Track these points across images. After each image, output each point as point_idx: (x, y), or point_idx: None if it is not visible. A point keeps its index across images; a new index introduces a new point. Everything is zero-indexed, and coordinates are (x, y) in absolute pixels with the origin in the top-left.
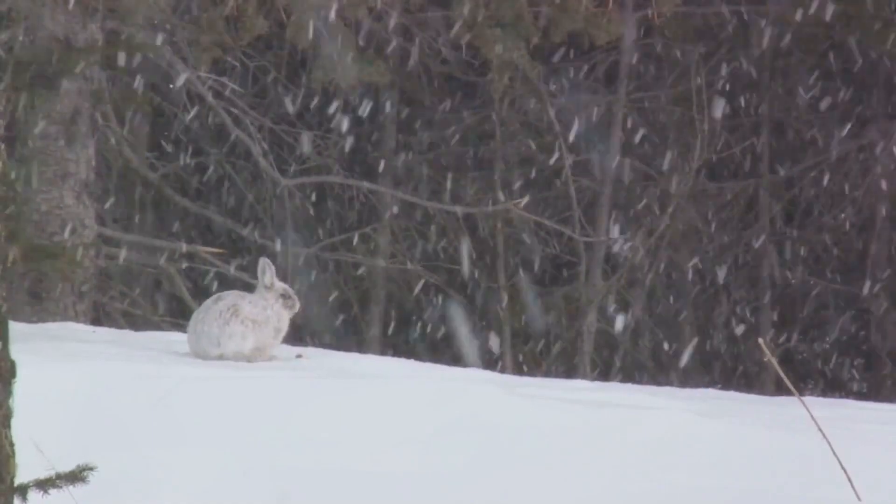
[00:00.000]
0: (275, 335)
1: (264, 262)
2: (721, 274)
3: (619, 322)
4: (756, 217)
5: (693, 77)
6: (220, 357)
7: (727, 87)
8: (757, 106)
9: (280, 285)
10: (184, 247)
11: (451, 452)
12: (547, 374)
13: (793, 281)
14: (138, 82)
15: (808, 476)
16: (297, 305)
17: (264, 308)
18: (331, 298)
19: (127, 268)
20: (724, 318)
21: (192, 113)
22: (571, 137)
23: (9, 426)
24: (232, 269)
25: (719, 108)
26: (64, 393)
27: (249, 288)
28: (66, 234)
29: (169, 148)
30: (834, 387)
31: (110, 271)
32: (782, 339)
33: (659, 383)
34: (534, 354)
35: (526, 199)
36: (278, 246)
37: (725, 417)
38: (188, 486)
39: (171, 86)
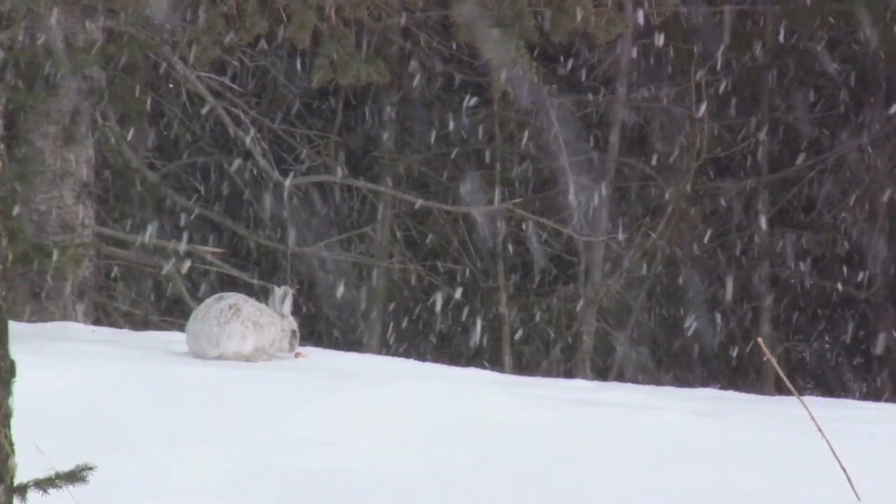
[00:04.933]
0: (271, 344)
1: (285, 290)
2: (720, 274)
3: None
4: (756, 217)
5: (692, 77)
6: (220, 357)
7: (727, 86)
8: (757, 106)
9: (293, 321)
10: (184, 247)
11: (451, 452)
12: (547, 374)
13: (793, 281)
14: (138, 82)
15: (808, 476)
16: (297, 347)
17: (269, 315)
18: (331, 298)
19: (127, 268)
20: (724, 318)
21: (192, 113)
22: (571, 137)
23: (9, 426)
24: (232, 270)
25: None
26: (64, 393)
27: (249, 287)
28: (66, 234)
29: (169, 148)
30: (834, 387)
31: (110, 271)
32: (782, 339)
33: (659, 383)
34: (534, 354)
35: (523, 200)
36: (278, 246)
37: (725, 417)
38: (187, 487)
39: (170, 86)
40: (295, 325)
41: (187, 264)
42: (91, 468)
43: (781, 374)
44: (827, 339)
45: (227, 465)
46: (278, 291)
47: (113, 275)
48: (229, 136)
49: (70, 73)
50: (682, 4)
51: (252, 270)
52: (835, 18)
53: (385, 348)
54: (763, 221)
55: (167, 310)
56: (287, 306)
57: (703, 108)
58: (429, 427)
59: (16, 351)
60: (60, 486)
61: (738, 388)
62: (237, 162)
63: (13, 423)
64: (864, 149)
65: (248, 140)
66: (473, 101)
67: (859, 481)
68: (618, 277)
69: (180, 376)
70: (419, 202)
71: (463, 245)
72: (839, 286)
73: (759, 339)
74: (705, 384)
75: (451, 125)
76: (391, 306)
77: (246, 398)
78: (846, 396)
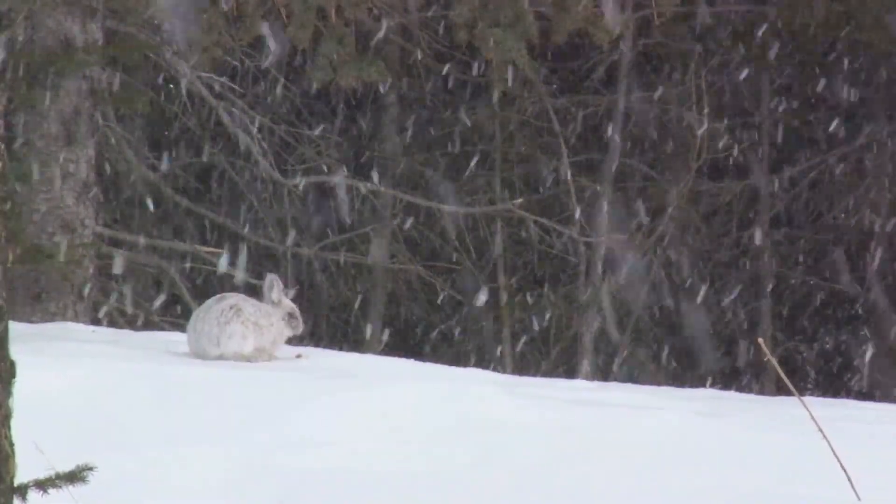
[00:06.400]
0: (271, 344)
1: (272, 279)
2: (721, 274)
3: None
4: (756, 217)
5: (693, 77)
6: (220, 357)
7: (727, 86)
8: (757, 106)
9: (287, 304)
10: (184, 247)
11: (451, 452)
12: (547, 374)
13: (793, 281)
14: (138, 82)
15: (808, 476)
16: (301, 327)
17: (268, 316)
18: (331, 298)
19: (127, 268)
20: (724, 318)
21: (192, 113)
22: (571, 137)
23: (9, 426)
24: (227, 267)
25: None
26: (64, 393)
27: (250, 288)
28: (66, 234)
29: (169, 148)
30: (834, 387)
31: (110, 271)
32: (782, 339)
33: (659, 383)
34: (534, 354)
35: (523, 200)
36: (278, 246)
37: (725, 417)
38: (187, 487)
39: (171, 86)
40: (292, 307)
41: (187, 264)
42: (91, 468)
43: (781, 374)
44: (827, 339)
45: (227, 465)
46: (265, 281)
47: (113, 275)
48: (229, 136)
49: (70, 73)
50: (682, 4)
51: (251, 270)
52: (835, 19)
53: (385, 348)
54: (763, 221)
55: (167, 310)
56: (276, 293)
57: (704, 108)
58: (429, 427)
59: (16, 351)
60: (60, 486)
61: (738, 388)
62: (237, 162)
63: (13, 423)
64: (865, 149)
65: (248, 140)
66: (473, 101)
67: (859, 481)
68: (618, 277)
69: (180, 376)
70: (419, 202)
71: (463, 245)
72: (840, 286)
73: (759, 340)
74: (705, 384)
75: (451, 125)
76: (391, 306)
77: (246, 398)
78: (846, 396)
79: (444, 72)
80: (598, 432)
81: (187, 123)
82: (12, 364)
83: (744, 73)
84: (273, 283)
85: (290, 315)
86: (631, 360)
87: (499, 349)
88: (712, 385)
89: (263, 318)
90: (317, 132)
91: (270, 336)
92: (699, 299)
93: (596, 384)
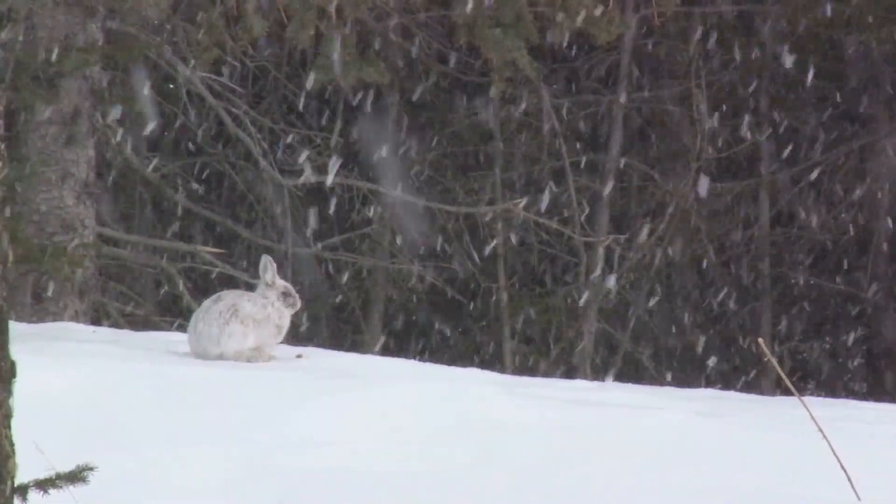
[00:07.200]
0: (276, 333)
1: (266, 260)
2: (721, 274)
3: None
4: (756, 217)
5: (693, 77)
6: (221, 356)
7: (727, 86)
8: (757, 106)
9: (281, 283)
10: (184, 247)
11: (451, 452)
12: (547, 374)
13: (793, 281)
14: (138, 82)
15: (808, 476)
16: (299, 303)
17: (264, 306)
18: (331, 298)
19: (127, 268)
20: (724, 317)
21: (192, 113)
22: (571, 137)
23: (9, 426)
24: (232, 270)
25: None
26: (64, 393)
27: (251, 288)
28: (66, 234)
29: (169, 148)
30: (834, 387)
31: (110, 271)
32: (782, 339)
33: (659, 383)
34: (534, 354)
35: (525, 199)
36: (278, 246)
37: (725, 417)
38: (187, 487)
39: (171, 86)
40: (285, 286)
41: (187, 264)
42: (91, 468)
43: (782, 374)
44: (827, 339)
45: (227, 465)
46: (260, 263)
47: (113, 275)
48: (229, 136)
49: (70, 73)
50: (682, 4)
51: (252, 271)
52: (835, 18)
53: (385, 348)
54: (764, 221)
55: (167, 310)
56: (270, 274)
57: (704, 108)
58: (429, 427)
59: (16, 351)
60: (61, 486)
61: (738, 388)
62: (237, 162)
63: (13, 423)
64: (864, 148)
65: (248, 140)
66: (473, 101)
67: (859, 481)
68: (618, 277)
69: (180, 376)
70: (419, 202)
71: (463, 245)
72: (840, 286)
73: (760, 340)
74: (705, 384)
75: (451, 125)
76: (391, 306)
77: (246, 398)
78: (846, 396)
79: (444, 72)
80: (598, 432)
81: (187, 123)
82: (12, 364)
83: (744, 73)
84: (267, 265)
85: (285, 294)
86: (631, 360)
87: (499, 349)
88: (712, 385)
89: (261, 311)
90: (317, 132)
91: (271, 327)
92: (699, 299)
93: (596, 384)
